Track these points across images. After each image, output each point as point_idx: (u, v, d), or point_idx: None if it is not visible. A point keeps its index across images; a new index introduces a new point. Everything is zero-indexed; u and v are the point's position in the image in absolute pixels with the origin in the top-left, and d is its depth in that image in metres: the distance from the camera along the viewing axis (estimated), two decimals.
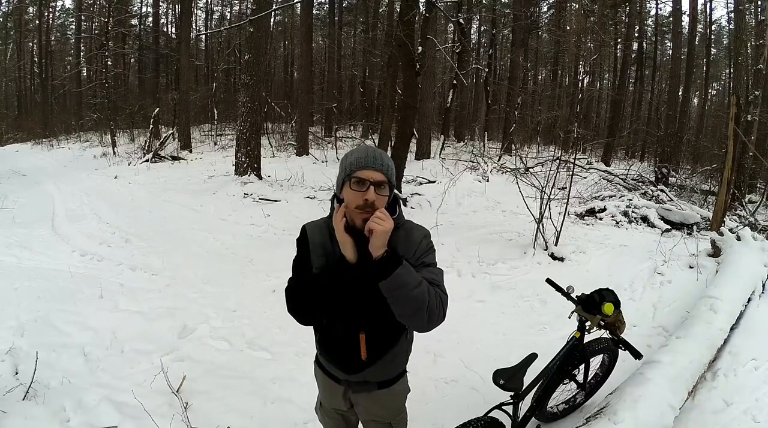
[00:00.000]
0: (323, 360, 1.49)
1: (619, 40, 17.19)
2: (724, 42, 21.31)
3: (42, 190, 8.48)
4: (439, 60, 14.45)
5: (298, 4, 14.28)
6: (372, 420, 1.53)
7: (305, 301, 1.29)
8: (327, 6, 21.69)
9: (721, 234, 4.09)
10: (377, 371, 1.40)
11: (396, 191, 1.36)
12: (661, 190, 7.52)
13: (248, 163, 8.35)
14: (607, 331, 2.06)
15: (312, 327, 1.45)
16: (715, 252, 4.07)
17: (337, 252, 1.26)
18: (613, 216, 6.30)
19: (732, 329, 2.74)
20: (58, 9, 25.41)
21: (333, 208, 1.32)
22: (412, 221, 1.38)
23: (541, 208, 4.87)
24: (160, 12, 22.77)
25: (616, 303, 1.98)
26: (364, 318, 1.33)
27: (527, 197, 5.14)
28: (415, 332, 1.46)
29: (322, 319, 1.38)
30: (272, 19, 19.80)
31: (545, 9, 20.89)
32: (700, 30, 17.28)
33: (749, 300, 3.05)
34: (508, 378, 1.73)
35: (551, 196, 5.04)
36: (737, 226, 5.68)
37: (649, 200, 6.96)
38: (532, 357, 1.88)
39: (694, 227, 5.89)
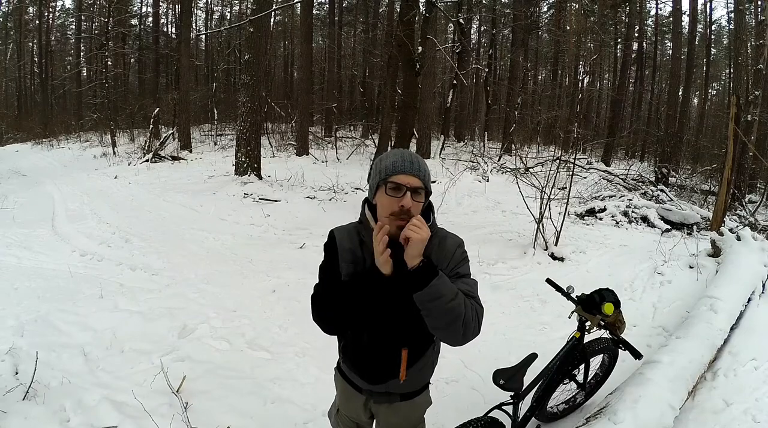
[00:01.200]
0: (346, 369, 1.43)
1: (619, 40, 17.20)
2: (724, 42, 21.33)
3: (42, 190, 8.48)
4: (439, 60, 14.45)
5: (298, 4, 14.29)
6: None
7: (332, 310, 1.23)
8: (327, 6, 21.71)
9: (721, 234, 4.09)
10: (402, 383, 1.34)
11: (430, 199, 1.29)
12: (661, 190, 7.51)
13: (248, 163, 8.35)
14: (607, 331, 2.06)
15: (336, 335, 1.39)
16: (715, 252, 4.07)
17: (368, 261, 1.21)
18: (613, 216, 6.30)
19: (732, 329, 2.74)
20: (58, 9, 25.47)
21: (363, 214, 1.27)
22: (445, 229, 1.33)
23: (541, 208, 4.87)
24: (160, 12, 22.80)
25: (616, 303, 1.98)
26: (402, 333, 1.27)
27: (527, 197, 5.14)
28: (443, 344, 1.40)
29: (348, 329, 1.31)
30: (272, 19, 19.81)
31: (545, 9, 20.89)
32: (700, 30, 17.28)
33: (749, 300, 3.05)
34: (508, 378, 1.72)
35: (551, 196, 5.04)
36: (737, 226, 5.68)
37: (649, 200, 6.96)
38: (532, 357, 1.87)
39: (694, 227, 5.89)
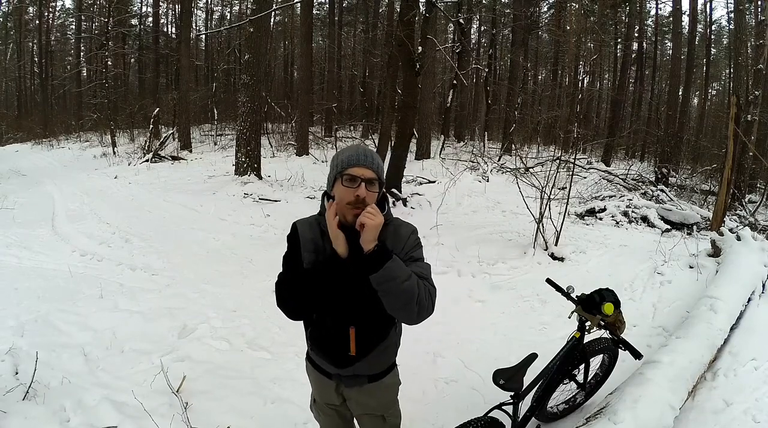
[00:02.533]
0: (314, 356, 1.51)
1: (619, 40, 17.20)
2: (724, 42, 21.31)
3: (42, 190, 8.48)
4: (439, 60, 14.45)
5: (298, 4, 14.28)
6: (365, 414, 1.56)
7: (295, 296, 1.31)
8: (327, 6, 21.70)
9: (721, 234, 4.09)
10: (367, 365, 1.43)
11: (384, 190, 1.39)
12: (661, 190, 7.51)
13: (248, 163, 8.35)
14: (607, 331, 2.06)
15: (303, 323, 1.47)
16: (715, 252, 4.07)
17: (328, 248, 1.29)
18: (613, 216, 6.30)
19: (732, 329, 2.74)
20: (58, 9, 25.44)
21: (323, 206, 1.35)
22: (400, 218, 1.42)
23: (541, 208, 4.87)
24: (160, 12, 22.76)
25: (616, 303, 1.98)
26: (354, 313, 1.35)
27: (527, 197, 5.14)
28: (404, 325, 1.49)
29: (311, 314, 1.40)
30: (272, 19, 19.81)
31: (545, 9, 20.90)
32: (700, 30, 17.27)
33: (749, 300, 3.05)
34: (508, 378, 1.73)
35: (551, 196, 5.04)
36: (737, 226, 5.68)
37: (649, 200, 6.96)
38: (532, 357, 1.87)
39: (694, 227, 5.89)
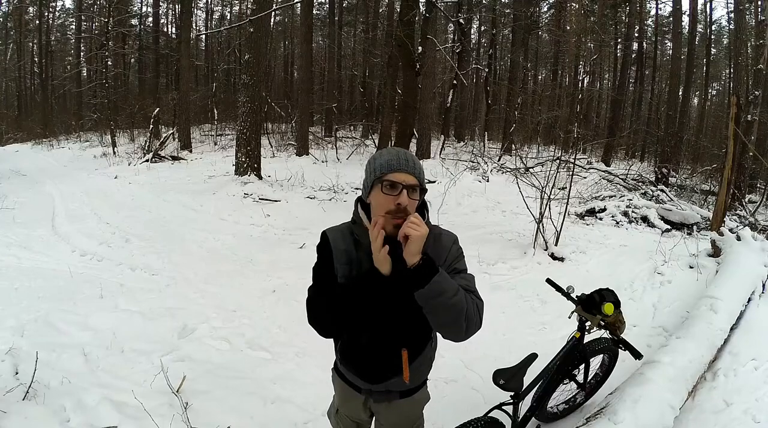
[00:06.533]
0: (344, 369, 1.42)
1: (619, 40, 17.20)
2: (724, 42, 21.30)
3: (42, 190, 8.48)
4: (439, 60, 14.44)
5: (298, 4, 14.28)
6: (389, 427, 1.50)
7: (330, 313, 1.21)
8: (327, 6, 21.69)
9: (721, 234, 4.08)
10: (401, 381, 1.33)
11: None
12: (661, 190, 7.51)
13: (248, 163, 8.35)
14: (607, 331, 2.06)
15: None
16: (715, 252, 4.07)
17: (364, 263, 1.19)
18: (613, 216, 6.30)
19: (732, 329, 2.74)
20: (58, 9, 25.44)
21: (356, 213, 1.26)
22: (439, 225, 1.33)
23: (541, 208, 4.86)
24: (160, 12, 22.77)
25: (616, 303, 1.98)
26: (401, 333, 1.26)
27: (527, 197, 5.14)
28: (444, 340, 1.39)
29: (346, 331, 1.30)
30: (272, 19, 19.79)
31: (545, 9, 20.88)
32: (700, 30, 17.26)
33: (749, 300, 3.04)
34: (508, 378, 1.72)
35: (551, 196, 5.04)
36: (737, 226, 5.68)
37: (649, 200, 6.95)
38: (532, 357, 1.87)
39: (694, 227, 5.89)
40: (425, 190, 1.23)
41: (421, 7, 7.30)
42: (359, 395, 1.41)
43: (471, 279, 1.27)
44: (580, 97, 14.04)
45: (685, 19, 14.84)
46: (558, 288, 2.16)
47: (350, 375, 1.40)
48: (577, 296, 2.07)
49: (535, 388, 1.98)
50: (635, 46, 17.29)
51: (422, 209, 1.25)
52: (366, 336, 1.28)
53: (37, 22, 23.78)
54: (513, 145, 11.50)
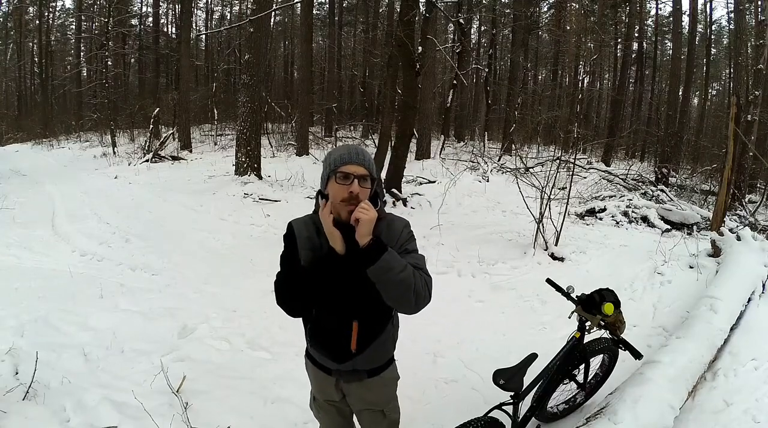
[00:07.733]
0: (313, 352, 1.53)
1: (619, 40, 17.19)
2: (724, 42, 21.30)
3: (42, 190, 8.48)
4: (439, 60, 14.43)
5: (298, 4, 14.28)
6: (365, 409, 1.58)
7: (295, 294, 1.35)
8: (327, 6, 21.70)
9: (721, 234, 4.09)
10: (366, 359, 1.45)
11: (376, 186, 1.42)
12: (661, 190, 7.51)
13: (248, 163, 8.35)
14: (607, 331, 2.06)
15: (302, 320, 1.50)
16: (715, 252, 4.07)
17: (325, 246, 1.33)
18: (613, 217, 6.30)
19: (732, 329, 2.74)
20: (58, 9, 25.42)
21: (318, 205, 1.39)
22: (393, 213, 1.47)
23: (541, 208, 4.86)
24: (160, 12, 22.78)
25: (616, 303, 1.98)
26: (354, 308, 1.39)
27: (527, 197, 5.14)
28: (401, 320, 1.53)
29: (310, 311, 1.43)
30: (272, 19, 19.79)
31: (545, 9, 20.88)
32: (700, 30, 17.26)
33: (749, 300, 3.04)
34: (508, 378, 1.72)
35: (551, 196, 5.04)
36: (737, 226, 5.68)
37: (649, 200, 6.96)
38: (532, 357, 1.87)
39: (694, 227, 5.89)
40: (375, 180, 1.38)
41: (421, 7, 7.28)
42: (330, 377, 1.51)
43: (421, 258, 1.39)
44: (580, 97, 14.06)
45: (685, 19, 14.85)
46: (558, 288, 2.16)
47: (319, 356, 1.50)
48: (577, 296, 2.07)
49: (535, 388, 1.98)
50: (635, 46, 17.29)
51: (375, 198, 1.39)
52: (329, 314, 1.41)
53: (37, 22, 23.77)
54: (513, 145, 11.49)
